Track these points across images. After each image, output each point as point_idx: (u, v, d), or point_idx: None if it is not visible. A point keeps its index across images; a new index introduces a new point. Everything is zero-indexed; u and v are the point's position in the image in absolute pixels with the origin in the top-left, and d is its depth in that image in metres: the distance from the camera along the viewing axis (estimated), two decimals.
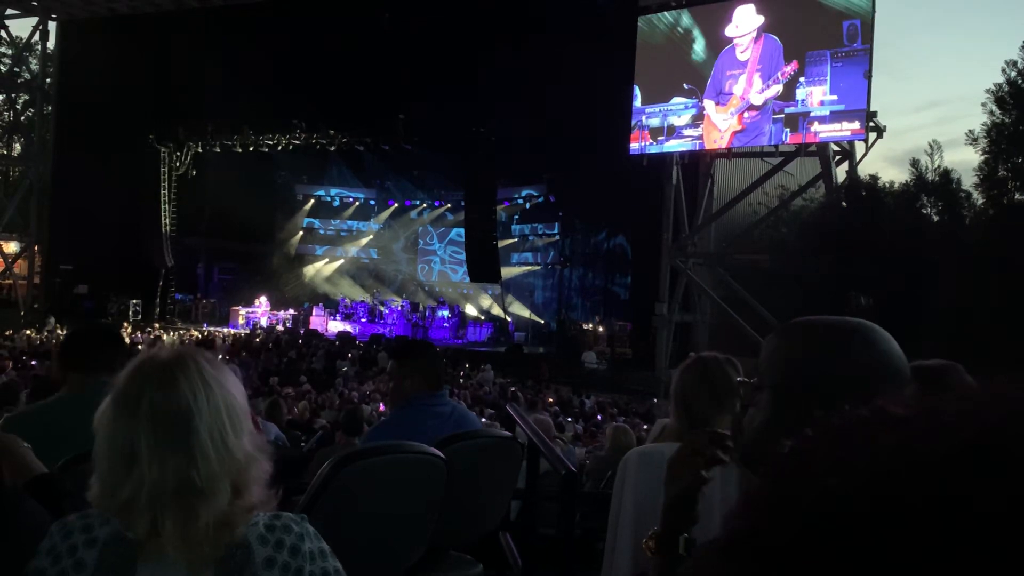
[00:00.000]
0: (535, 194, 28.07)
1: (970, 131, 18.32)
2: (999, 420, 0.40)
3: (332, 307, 27.80)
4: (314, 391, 14.26)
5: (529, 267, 28.81)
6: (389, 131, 25.17)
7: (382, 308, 27.12)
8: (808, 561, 0.40)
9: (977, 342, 12.73)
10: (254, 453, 1.48)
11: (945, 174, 18.45)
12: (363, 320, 26.52)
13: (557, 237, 28.01)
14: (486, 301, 29.06)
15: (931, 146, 18.84)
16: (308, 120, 25.79)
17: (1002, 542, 0.36)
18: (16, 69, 30.89)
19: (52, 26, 28.34)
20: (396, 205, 30.96)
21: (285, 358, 19.69)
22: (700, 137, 19.89)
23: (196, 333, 24.28)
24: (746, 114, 19.03)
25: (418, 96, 23.32)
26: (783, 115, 18.64)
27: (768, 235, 19.71)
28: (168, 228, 27.99)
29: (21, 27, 31.18)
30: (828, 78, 18.08)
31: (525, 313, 27.87)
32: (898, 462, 0.40)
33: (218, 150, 27.58)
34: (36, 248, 28.71)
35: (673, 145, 20.39)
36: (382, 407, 11.53)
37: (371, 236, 31.42)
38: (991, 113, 18.05)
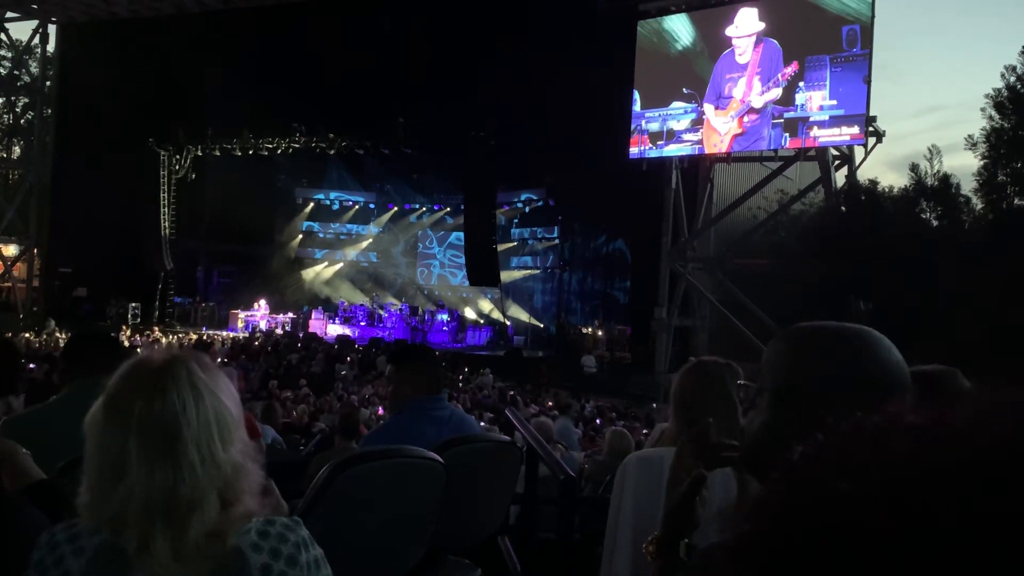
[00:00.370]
0: (535, 198, 28.08)
1: (969, 136, 18.40)
2: (1011, 429, 0.40)
3: (331, 311, 27.79)
4: (313, 395, 14.24)
5: (528, 271, 28.82)
6: (389, 134, 25.19)
7: (381, 312, 27.11)
8: (818, 567, 0.39)
9: (976, 347, 12.73)
10: (244, 463, 1.45)
11: (944, 179, 18.49)
12: (362, 324, 26.51)
13: (556, 241, 28.01)
14: (485, 305, 29.06)
15: (930, 151, 18.93)
16: (308, 123, 25.82)
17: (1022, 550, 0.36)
18: (16, 72, 30.94)
19: (52, 29, 28.38)
20: (396, 209, 30.97)
21: (284, 361, 19.68)
22: (700, 142, 19.91)
23: (195, 336, 24.27)
24: (746, 117, 19.05)
25: (418, 99, 23.34)
26: (782, 120, 18.67)
27: (767, 239, 19.73)
28: (167, 231, 28.00)
29: (21, 30, 31.25)
30: (827, 83, 18.10)
31: (524, 317, 27.87)
32: (912, 469, 0.40)
33: (218, 153, 27.60)
34: (35, 251, 28.72)
35: (673, 149, 20.42)
36: (381, 411, 11.52)
37: (370, 240, 31.43)
38: (990, 118, 18.11)
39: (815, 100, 18.25)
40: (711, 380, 2.31)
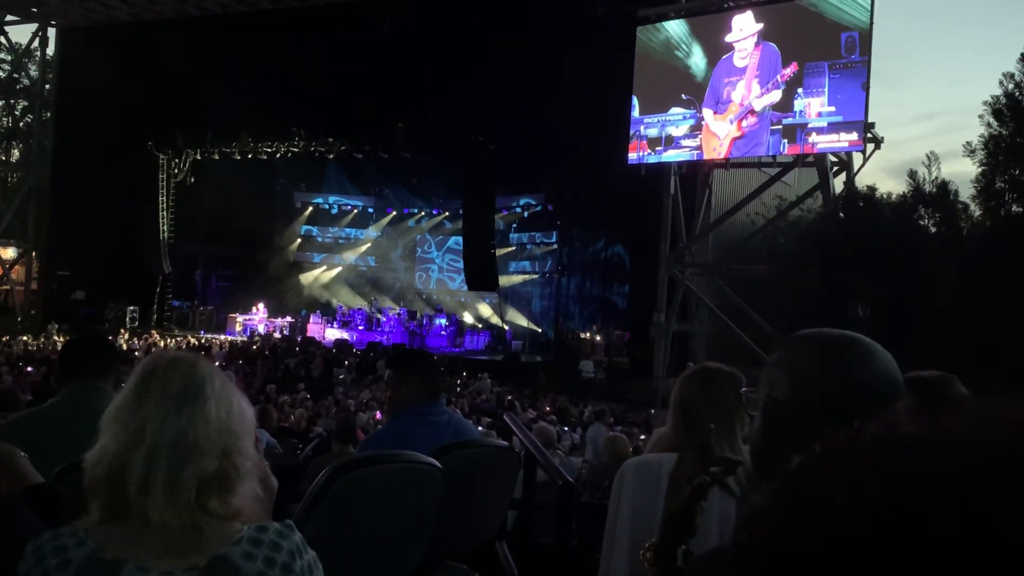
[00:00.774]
0: (533, 203, 28.08)
1: (968, 143, 18.40)
2: (1009, 439, 0.40)
3: (329, 315, 27.77)
4: (311, 399, 14.22)
5: (527, 276, 28.80)
6: (388, 139, 25.18)
7: (379, 316, 27.09)
8: None
9: (973, 353, 12.73)
10: (250, 463, 1.51)
11: (943, 185, 18.49)
12: (360, 328, 26.49)
13: (555, 246, 28.00)
14: (484, 309, 29.04)
15: (929, 157, 18.91)
16: (307, 127, 25.81)
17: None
18: (15, 75, 30.96)
19: (52, 32, 28.40)
20: (394, 213, 30.96)
21: (282, 365, 19.66)
22: (699, 147, 19.94)
23: (193, 340, 24.25)
24: (745, 121, 19.09)
25: (417, 104, 23.34)
26: (781, 126, 18.70)
27: (766, 245, 19.75)
28: (166, 235, 27.98)
29: (21, 33, 31.23)
30: (826, 90, 18.14)
31: (523, 322, 27.85)
32: (910, 480, 0.40)
33: (217, 157, 27.58)
34: (34, 254, 28.71)
35: (671, 155, 20.45)
36: (379, 415, 11.51)
37: (369, 244, 31.41)
38: (988, 125, 18.12)
39: (813, 107, 18.28)
40: (714, 387, 2.30)
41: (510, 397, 16.56)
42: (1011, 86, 17.99)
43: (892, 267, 16.20)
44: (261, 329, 26.39)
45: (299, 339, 24.82)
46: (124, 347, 21.33)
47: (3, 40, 29.50)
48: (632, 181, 20.77)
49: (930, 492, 0.39)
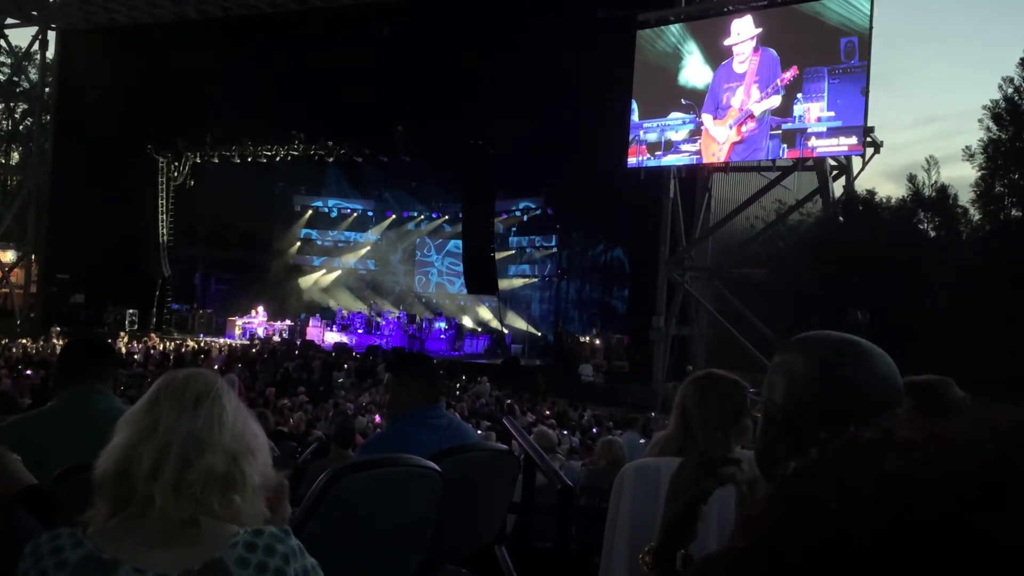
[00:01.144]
0: (533, 206, 28.10)
1: (967, 147, 18.37)
2: (1005, 447, 0.40)
3: (329, 318, 27.77)
4: (311, 402, 14.20)
5: (526, 279, 28.81)
6: (387, 142, 25.21)
7: (379, 319, 27.09)
8: None
9: (973, 357, 12.72)
10: (259, 478, 1.55)
11: (942, 190, 18.47)
12: (360, 331, 26.49)
13: (555, 249, 28.02)
14: (483, 313, 29.04)
15: (928, 161, 18.86)
16: (306, 131, 25.85)
17: (1017, 568, 0.36)
18: (15, 78, 31.00)
19: (52, 36, 28.43)
20: (394, 216, 30.97)
21: (282, 369, 19.65)
22: (698, 152, 19.94)
23: (192, 343, 24.23)
24: (744, 126, 19.10)
25: (417, 107, 23.37)
26: (780, 131, 18.71)
27: (765, 249, 19.73)
28: (165, 238, 27.99)
29: (21, 36, 31.35)
30: (825, 94, 18.15)
31: (522, 325, 27.85)
32: (905, 486, 0.40)
33: (216, 160, 27.60)
34: (33, 257, 28.71)
35: (671, 160, 20.46)
36: (378, 419, 11.50)
37: (368, 247, 31.42)
38: (988, 129, 18.10)
39: (813, 112, 18.29)
40: (717, 392, 2.30)
41: (509, 401, 16.54)
42: (1010, 90, 17.99)
43: (892, 271, 16.19)
44: (260, 332, 26.39)
45: (298, 342, 24.82)
46: (123, 350, 21.32)
47: (3, 43, 29.56)
48: (631, 185, 20.78)
49: (923, 499, 0.39)
